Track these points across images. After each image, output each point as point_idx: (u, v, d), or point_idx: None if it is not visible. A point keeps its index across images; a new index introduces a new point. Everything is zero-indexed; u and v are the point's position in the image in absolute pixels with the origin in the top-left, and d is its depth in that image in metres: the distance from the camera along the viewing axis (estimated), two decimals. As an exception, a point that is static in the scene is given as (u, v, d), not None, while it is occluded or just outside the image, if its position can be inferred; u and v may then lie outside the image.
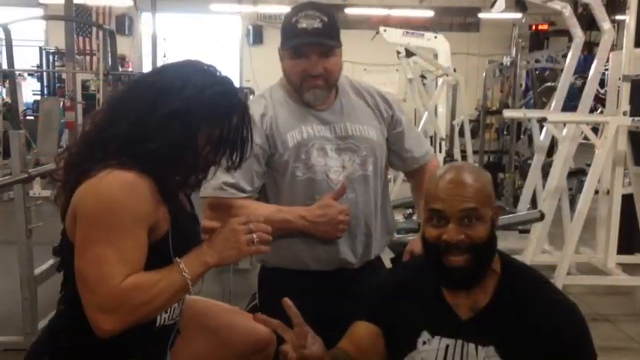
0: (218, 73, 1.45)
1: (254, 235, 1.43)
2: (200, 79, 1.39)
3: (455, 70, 8.07)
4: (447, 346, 1.49)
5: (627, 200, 4.30)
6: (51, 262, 3.68)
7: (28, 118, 11.31)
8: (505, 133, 7.74)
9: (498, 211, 1.53)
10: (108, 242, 1.27)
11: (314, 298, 1.73)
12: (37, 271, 3.43)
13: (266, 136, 1.79)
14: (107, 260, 1.27)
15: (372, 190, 1.85)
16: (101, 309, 1.27)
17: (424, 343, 1.51)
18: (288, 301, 1.41)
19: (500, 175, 7.08)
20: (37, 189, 7.13)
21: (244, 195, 1.77)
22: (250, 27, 18.18)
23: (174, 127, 1.33)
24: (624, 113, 3.89)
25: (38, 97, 12.37)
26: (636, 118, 3.89)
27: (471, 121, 9.44)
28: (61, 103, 9.17)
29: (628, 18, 3.99)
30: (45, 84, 12.87)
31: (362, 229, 1.84)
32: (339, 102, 1.88)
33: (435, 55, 8.10)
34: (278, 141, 1.80)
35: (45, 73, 12.60)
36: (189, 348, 1.57)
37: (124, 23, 17.32)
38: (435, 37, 8.12)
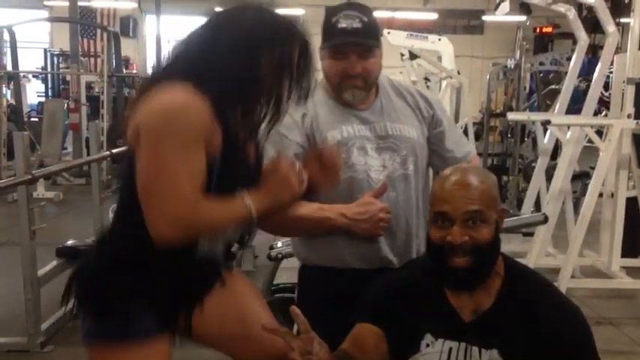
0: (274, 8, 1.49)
1: (303, 176, 1.50)
2: (257, 8, 1.43)
3: (459, 73, 8.08)
4: (450, 349, 1.49)
5: (631, 203, 4.30)
6: (54, 263, 3.69)
7: (32, 119, 11.35)
8: (509, 135, 7.73)
9: (503, 214, 1.52)
10: (176, 155, 1.29)
11: (354, 297, 1.71)
12: (41, 272, 3.44)
13: (307, 136, 1.80)
14: (178, 173, 1.29)
15: (413, 189, 1.85)
16: (172, 221, 1.30)
17: (427, 345, 1.51)
18: (295, 310, 1.42)
19: (504, 178, 7.06)
20: (41, 190, 7.17)
21: None
22: (254, 29, 18.21)
23: (236, 54, 1.36)
24: (628, 116, 3.88)
25: (42, 99, 12.41)
26: (640, 121, 3.88)
27: (474, 123, 9.43)
28: (65, 104, 9.20)
29: (633, 21, 3.99)
30: (49, 85, 12.92)
31: (402, 228, 1.83)
32: (379, 101, 1.88)
33: (439, 58, 8.13)
34: (319, 140, 1.80)
35: (49, 75, 12.65)
36: (218, 322, 1.57)
37: (128, 25, 17.38)
38: (439, 40, 8.14)
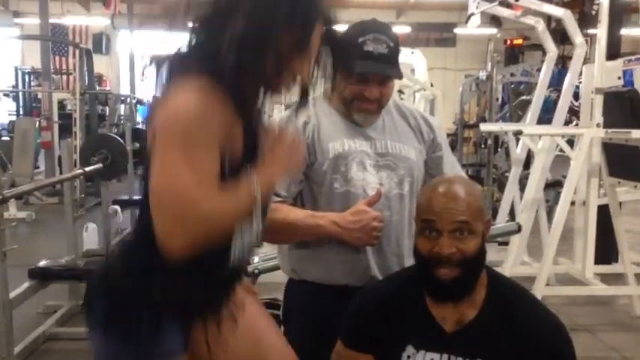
0: None
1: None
2: None
3: (432, 85, 8.16)
4: None
5: (603, 211, 4.36)
6: (27, 284, 3.62)
7: (3, 138, 11.17)
8: (483, 146, 7.82)
9: (488, 224, 1.54)
10: (184, 155, 1.22)
11: (340, 314, 1.70)
12: (12, 294, 3.37)
13: (307, 145, 1.79)
14: (185, 177, 1.22)
15: (407, 211, 1.83)
16: (177, 228, 1.20)
17: (409, 357, 1.52)
18: None
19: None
20: (13, 211, 7.03)
21: (279, 199, 1.75)
22: (229, 44, 18.23)
23: (250, 32, 1.27)
24: (598, 125, 3.95)
25: (14, 118, 12.23)
26: (610, 130, 3.95)
27: (448, 135, 9.52)
28: (37, 123, 9.09)
29: (599, 32, 4.07)
30: (21, 104, 12.75)
31: (393, 248, 1.82)
32: (382, 120, 1.88)
33: (412, 70, 8.19)
34: (319, 150, 1.79)
35: (21, 93, 12.49)
36: (233, 346, 1.49)
37: (101, 42, 17.28)
38: (412, 53, 8.21)
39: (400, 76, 1.80)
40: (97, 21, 16.50)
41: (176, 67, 1.32)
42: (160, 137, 1.25)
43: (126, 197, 6.24)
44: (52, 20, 10.41)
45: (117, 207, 5.59)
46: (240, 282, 1.53)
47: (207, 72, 1.26)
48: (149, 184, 1.26)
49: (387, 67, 1.75)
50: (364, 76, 1.75)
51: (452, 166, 1.98)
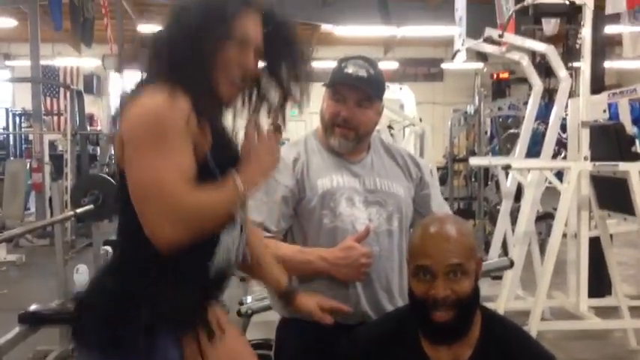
0: None
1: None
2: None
3: (421, 120, 8.22)
4: None
5: (595, 243, 4.37)
6: (17, 330, 3.56)
7: (-7, 180, 11.11)
8: (473, 179, 7.85)
9: (480, 262, 1.55)
10: (161, 153, 1.27)
11: (332, 351, 1.70)
12: (2, 340, 3.32)
13: (296, 180, 1.83)
14: (165, 169, 1.27)
15: (396, 247, 1.85)
16: (166, 217, 1.26)
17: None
18: None
19: (471, 222, 7.14)
20: (2, 253, 6.97)
21: (269, 235, 1.78)
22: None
23: (190, 46, 1.35)
24: (585, 158, 3.99)
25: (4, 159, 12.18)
26: (597, 163, 3.99)
27: (439, 168, 9.57)
28: (28, 164, 9.07)
29: (583, 66, 4.14)
30: (11, 145, 12.72)
31: (383, 284, 1.83)
32: (370, 157, 1.92)
33: (401, 106, 8.26)
34: (307, 186, 1.82)
35: (12, 135, 12.48)
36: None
37: (91, 82, 17.37)
38: (400, 89, 8.29)
39: (377, 98, 1.84)
40: (87, 62, 16.57)
41: (138, 83, 1.40)
42: (134, 140, 1.30)
43: (117, 238, 6.19)
44: (43, 62, 10.48)
45: (108, 247, 5.55)
46: (221, 294, 1.55)
47: (167, 81, 1.33)
48: (128, 187, 1.31)
49: (362, 86, 1.79)
50: (340, 91, 1.80)
51: (440, 207, 2.01)
